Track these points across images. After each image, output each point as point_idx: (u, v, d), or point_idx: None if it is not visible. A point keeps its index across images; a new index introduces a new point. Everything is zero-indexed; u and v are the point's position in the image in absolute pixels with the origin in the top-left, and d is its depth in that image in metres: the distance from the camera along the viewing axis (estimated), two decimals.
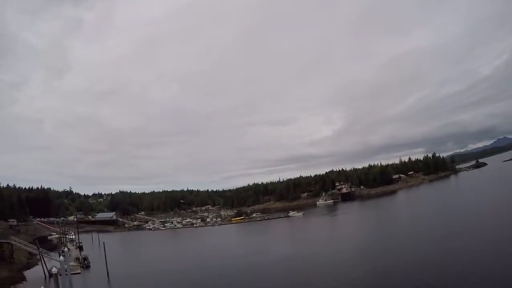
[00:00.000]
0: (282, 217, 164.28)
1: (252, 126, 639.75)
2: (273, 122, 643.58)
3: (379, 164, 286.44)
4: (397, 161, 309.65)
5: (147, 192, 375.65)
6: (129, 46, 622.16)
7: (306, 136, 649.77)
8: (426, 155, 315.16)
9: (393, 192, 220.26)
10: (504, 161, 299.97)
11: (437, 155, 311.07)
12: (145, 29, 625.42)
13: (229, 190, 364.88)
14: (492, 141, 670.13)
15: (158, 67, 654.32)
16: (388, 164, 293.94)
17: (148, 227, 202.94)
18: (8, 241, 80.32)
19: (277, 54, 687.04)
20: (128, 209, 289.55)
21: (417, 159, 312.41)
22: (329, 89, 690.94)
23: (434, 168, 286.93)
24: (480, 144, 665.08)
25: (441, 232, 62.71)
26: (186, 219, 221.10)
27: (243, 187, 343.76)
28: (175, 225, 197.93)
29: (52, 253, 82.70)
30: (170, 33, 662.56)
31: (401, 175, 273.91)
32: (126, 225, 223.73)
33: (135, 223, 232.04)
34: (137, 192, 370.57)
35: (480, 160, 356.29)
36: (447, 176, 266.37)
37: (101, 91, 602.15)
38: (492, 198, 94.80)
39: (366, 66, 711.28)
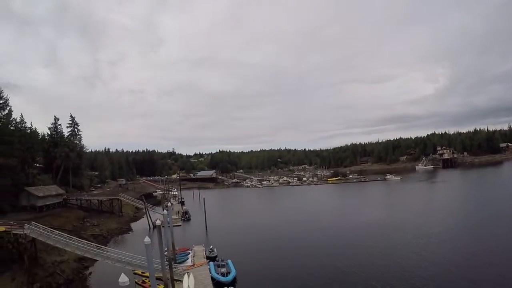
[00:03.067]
0: (379, 180, 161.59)
1: (348, 84, 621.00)
2: (370, 80, 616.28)
3: (486, 130, 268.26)
4: (505, 127, 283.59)
5: (245, 152, 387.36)
6: (217, 12, 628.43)
7: (406, 94, 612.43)
8: None
9: (499, 162, 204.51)
10: None
11: None
12: None
13: (326, 150, 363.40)
14: None
15: (249, 29, 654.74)
16: (495, 130, 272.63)
17: (246, 185, 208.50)
18: (118, 197, 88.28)
19: (371, 4, 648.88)
20: (227, 167, 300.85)
21: None
22: (429, 42, 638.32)
23: None
24: None
25: None
26: (282, 177, 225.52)
27: (341, 147, 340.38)
28: (272, 183, 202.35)
29: (156, 208, 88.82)
30: None
31: (510, 144, 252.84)
32: (225, 183, 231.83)
33: (234, 180, 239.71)
34: (236, 151, 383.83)
35: None
36: None
37: (196, 58, 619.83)
38: None
39: (471, 14, 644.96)
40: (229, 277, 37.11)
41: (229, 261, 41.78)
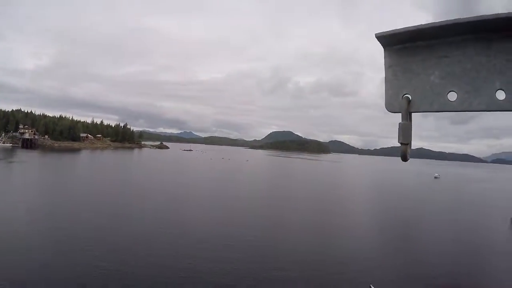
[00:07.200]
0: None
1: None
2: None
3: (71, 118, 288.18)
4: (89, 120, 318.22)
5: None
6: None
7: (3, 61, 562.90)
8: (118, 123, 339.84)
9: (78, 150, 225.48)
10: (183, 150, 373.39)
11: (128, 126, 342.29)
12: None
13: None
14: (179, 132, 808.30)
15: None
16: (79, 121, 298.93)
17: None
18: None
19: None
20: None
21: (109, 124, 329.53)
22: (44, 15, 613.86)
23: (122, 137, 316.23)
24: (169, 130, 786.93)
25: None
26: None
27: None
28: None
29: None
30: None
31: (90, 135, 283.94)
32: None
33: None
34: None
35: (165, 143, 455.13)
36: (132, 148, 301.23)
37: None
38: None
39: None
40: None
41: None
